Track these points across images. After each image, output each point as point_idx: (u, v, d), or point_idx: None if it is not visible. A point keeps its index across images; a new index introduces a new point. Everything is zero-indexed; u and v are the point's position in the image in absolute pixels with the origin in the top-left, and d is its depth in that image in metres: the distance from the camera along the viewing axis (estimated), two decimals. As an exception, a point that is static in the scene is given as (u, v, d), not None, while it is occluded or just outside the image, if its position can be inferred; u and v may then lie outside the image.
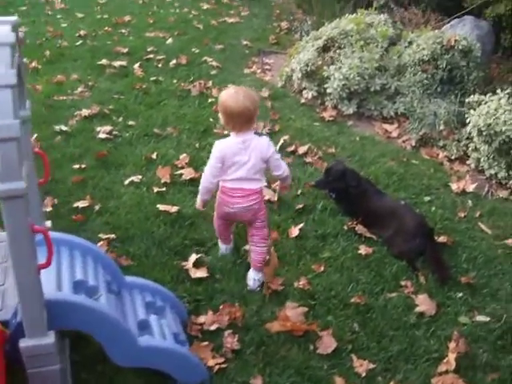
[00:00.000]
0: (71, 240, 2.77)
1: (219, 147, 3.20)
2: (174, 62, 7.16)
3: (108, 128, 5.22)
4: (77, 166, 4.58)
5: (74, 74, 6.75)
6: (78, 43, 8.18)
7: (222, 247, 3.65)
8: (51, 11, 10.78)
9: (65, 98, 6.06)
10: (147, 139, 5.09)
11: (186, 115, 5.57)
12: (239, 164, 3.17)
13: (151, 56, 7.41)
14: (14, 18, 2.22)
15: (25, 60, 6.61)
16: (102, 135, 5.10)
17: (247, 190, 3.21)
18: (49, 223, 2.98)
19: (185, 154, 4.76)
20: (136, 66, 6.98)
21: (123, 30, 8.81)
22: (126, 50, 7.63)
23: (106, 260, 2.82)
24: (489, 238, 3.99)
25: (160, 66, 7.09)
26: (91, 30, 8.90)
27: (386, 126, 5.62)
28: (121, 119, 5.48)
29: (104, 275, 2.73)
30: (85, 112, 5.59)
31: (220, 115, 3.26)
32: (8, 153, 1.86)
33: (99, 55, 7.47)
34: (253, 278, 3.35)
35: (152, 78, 6.59)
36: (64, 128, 5.25)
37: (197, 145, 4.99)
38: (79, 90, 6.28)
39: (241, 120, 3.16)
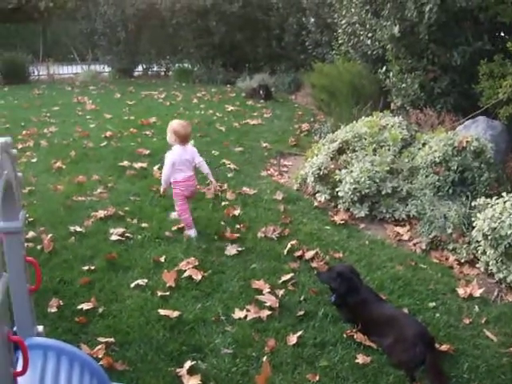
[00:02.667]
0: (59, 346, 2.81)
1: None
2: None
3: (121, 230, 5.34)
4: (86, 268, 4.67)
5: (95, 175, 6.97)
6: (102, 144, 8.49)
7: (191, 232, 5.30)
8: (82, 112, 11.25)
9: (83, 198, 6.25)
10: (158, 242, 5.17)
11: (199, 217, 5.65)
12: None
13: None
14: (3, 139, 2.35)
15: (53, 161, 6.89)
16: (114, 237, 5.20)
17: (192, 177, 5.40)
18: (40, 328, 3.02)
19: (193, 258, 4.82)
20: (155, 167, 7.18)
21: (147, 132, 9.13)
22: (147, 152, 7.90)
23: (93, 367, 2.84)
24: (494, 346, 3.90)
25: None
26: (117, 130, 9.25)
27: (398, 229, 5.63)
28: (135, 221, 5.59)
29: (90, 382, 2.75)
30: (101, 213, 5.74)
31: (169, 134, 5.39)
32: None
33: (122, 156, 7.74)
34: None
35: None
36: (79, 229, 5.38)
37: (206, 248, 5.06)
38: (98, 190, 6.47)
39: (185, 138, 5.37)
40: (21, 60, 16.73)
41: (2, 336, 2.08)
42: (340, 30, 9.92)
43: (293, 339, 3.76)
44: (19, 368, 2.24)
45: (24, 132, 9.46)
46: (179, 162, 5.27)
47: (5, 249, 2.52)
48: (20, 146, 8.65)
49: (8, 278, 2.14)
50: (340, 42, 10.14)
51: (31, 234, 5.29)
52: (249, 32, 15.21)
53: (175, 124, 5.38)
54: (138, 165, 7.30)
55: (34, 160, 7.87)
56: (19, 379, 2.24)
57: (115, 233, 5.28)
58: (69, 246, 5.09)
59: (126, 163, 7.39)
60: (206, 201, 6.12)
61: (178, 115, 10.42)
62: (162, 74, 17.43)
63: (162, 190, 5.50)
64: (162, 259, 4.83)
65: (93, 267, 4.68)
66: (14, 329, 2.64)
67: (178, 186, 5.32)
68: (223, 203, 6.03)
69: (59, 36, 18.09)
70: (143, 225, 5.51)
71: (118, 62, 17.01)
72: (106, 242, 5.15)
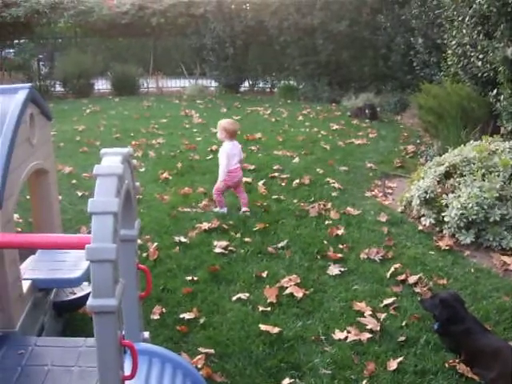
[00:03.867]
0: (164, 353, 2.88)
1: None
2: (297, 181, 7.38)
3: (224, 243, 5.42)
4: (189, 278, 4.77)
5: (200, 187, 7.12)
6: (208, 157, 8.67)
7: (223, 209, 6.31)
8: (189, 125, 11.52)
9: (188, 209, 6.39)
10: (260, 257, 5.22)
11: (302, 236, 5.66)
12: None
13: (276, 174, 7.70)
14: (126, 150, 2.45)
15: (160, 172, 7.09)
16: (217, 250, 5.30)
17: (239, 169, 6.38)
18: (147, 334, 3.10)
19: (295, 275, 4.82)
20: (260, 183, 7.27)
21: (253, 147, 9.24)
22: (252, 167, 7.99)
23: (196, 376, 2.89)
24: None
25: (283, 184, 7.34)
26: (223, 145, 9.38)
27: (505, 258, 5.42)
28: (238, 235, 5.66)
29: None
30: (205, 225, 5.85)
31: (220, 131, 6.42)
32: (103, 273, 2.04)
33: (227, 170, 7.86)
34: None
35: (274, 196, 6.82)
36: (183, 239, 5.52)
37: (308, 266, 5.05)
38: (203, 203, 6.61)
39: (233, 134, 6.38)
40: (131, 73, 17.33)
41: (116, 339, 2.15)
42: (449, 51, 9.72)
43: (393, 365, 3.69)
44: (126, 372, 2.31)
45: (133, 142, 9.78)
46: (230, 156, 6.20)
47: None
48: (129, 156, 8.95)
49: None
50: (449, 63, 9.93)
51: (138, 241, 5.45)
52: (355, 51, 15.13)
53: (224, 122, 6.38)
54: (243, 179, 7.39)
55: (142, 170, 8.11)
56: (126, 383, 2.31)
57: (219, 245, 5.37)
58: (173, 256, 5.22)
59: (230, 177, 7.51)
60: (310, 219, 6.11)
61: (282, 132, 10.53)
62: (268, 90, 17.59)
63: (220, 181, 6.28)
64: (264, 274, 4.86)
65: (196, 278, 4.78)
66: (123, 333, 2.71)
67: (229, 176, 6.24)
68: (327, 222, 6.00)
69: (169, 50, 18.61)
70: (246, 239, 5.56)
71: (225, 78, 17.29)
72: (210, 254, 5.25)
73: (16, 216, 5.70)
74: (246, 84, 18.01)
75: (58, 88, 17.94)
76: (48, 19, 17.66)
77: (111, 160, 2.32)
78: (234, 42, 16.50)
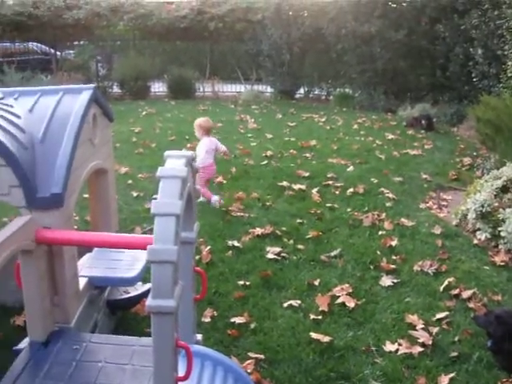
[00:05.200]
0: (216, 356, 2.90)
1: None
2: (352, 190, 7.34)
3: (277, 249, 5.44)
4: (241, 283, 4.80)
5: (254, 193, 7.15)
6: (263, 163, 8.69)
7: (214, 199, 6.69)
8: (243, 130, 11.57)
9: (242, 214, 6.41)
10: (312, 265, 5.21)
11: (355, 245, 5.64)
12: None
13: (330, 182, 7.68)
14: (189, 153, 2.48)
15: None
16: (270, 255, 5.31)
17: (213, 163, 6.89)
18: (199, 336, 3.13)
19: (347, 284, 4.80)
20: (314, 190, 7.26)
21: (307, 154, 9.24)
22: (307, 174, 7.99)
23: (247, 381, 2.90)
24: None
25: (337, 193, 7.31)
26: (277, 151, 9.43)
27: None
28: (291, 242, 5.67)
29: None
30: (258, 230, 5.87)
31: (196, 130, 6.95)
32: (163, 274, 2.07)
33: (281, 176, 7.89)
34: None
35: (328, 205, 6.79)
36: (236, 244, 5.55)
37: (360, 276, 5.03)
38: (257, 208, 6.63)
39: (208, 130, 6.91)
40: (188, 76, 17.51)
41: (173, 340, 2.18)
42: (510, 63, 9.57)
43: (444, 380, 3.64)
44: (180, 373, 2.34)
45: (188, 145, 9.87)
46: (207, 151, 6.72)
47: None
48: (184, 159, 9.04)
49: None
50: (509, 74, 9.77)
51: (194, 243, 5.54)
52: (412, 60, 14.97)
53: (199, 120, 6.96)
54: (296, 186, 7.40)
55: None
56: (179, 384, 2.33)
57: (271, 251, 5.39)
58: (226, 260, 5.25)
59: (285, 183, 7.52)
60: (363, 229, 6.07)
61: (337, 140, 10.49)
62: (323, 97, 17.54)
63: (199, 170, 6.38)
64: (316, 282, 4.85)
65: (248, 282, 4.80)
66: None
67: (205, 171, 6.72)
68: (380, 232, 5.96)
69: (225, 55, 18.74)
70: (299, 246, 5.57)
71: (281, 84, 17.32)
72: (262, 260, 5.26)
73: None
74: (302, 91, 18.00)
75: (116, 89, 18.25)
76: (108, 22, 17.98)
77: (175, 163, 2.36)
78: (291, 49, 16.53)
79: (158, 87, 18.57)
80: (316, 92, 17.89)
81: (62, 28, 17.70)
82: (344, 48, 15.57)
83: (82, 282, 3.47)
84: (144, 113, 14.27)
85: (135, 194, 7.16)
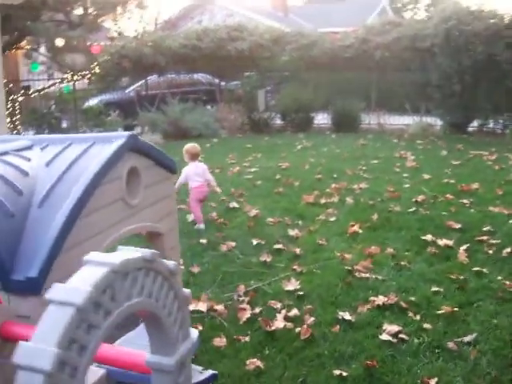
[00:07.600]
0: None
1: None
2: (509, 250, 5.88)
3: (396, 328, 4.30)
4: (337, 372, 3.75)
5: (390, 248, 6.10)
6: (410, 210, 7.62)
7: (201, 225, 7.13)
8: (399, 169, 10.58)
9: (368, 276, 5.40)
10: (436, 354, 4.00)
11: (499, 328, 4.32)
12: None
13: (484, 238, 6.30)
14: (117, 259, 1.65)
15: (351, 224, 6.31)
16: (385, 336, 4.20)
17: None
18: None
19: (479, 385, 3.64)
20: (462, 248, 5.97)
21: (465, 200, 7.99)
22: (458, 226, 6.73)
23: None
24: None
25: (490, 252, 5.92)
26: (431, 195, 8.32)
27: None
28: (417, 317, 4.52)
29: None
30: (380, 299, 4.80)
31: (184, 154, 7.31)
32: None
33: (427, 228, 6.75)
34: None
35: (475, 268, 5.47)
36: (348, 317, 4.53)
37: (496, 377, 3.73)
38: (388, 268, 5.58)
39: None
40: (352, 108, 16.71)
41: None
42: None
43: None
44: None
45: (333, 185, 9.05)
46: (194, 174, 7.21)
47: None
48: (323, 201, 8.21)
49: None
50: None
51: (294, 312, 4.64)
52: None
53: (187, 146, 7.40)
54: (442, 241, 6.17)
55: (333, 219, 7.30)
56: None
57: (388, 330, 4.27)
58: (329, 337, 4.26)
59: (429, 237, 6.31)
60: None
61: (505, 183, 8.97)
62: (499, 131, 15.83)
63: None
64: (433, 382, 3.65)
65: (345, 373, 3.74)
66: None
67: (194, 192, 7.25)
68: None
69: (392, 85, 17.53)
70: (425, 325, 4.38)
71: (451, 116, 15.89)
72: (374, 341, 4.17)
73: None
74: (475, 124, 16.43)
75: (278, 121, 17.89)
76: (271, 52, 17.69)
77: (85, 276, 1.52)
78: (462, 78, 15.08)
79: (322, 119, 17.97)
80: (491, 125, 16.22)
81: (225, 59, 17.64)
82: (523, 77, 13.98)
83: (96, 375, 2.66)
84: (299, 146, 13.68)
85: (255, 242, 6.40)
